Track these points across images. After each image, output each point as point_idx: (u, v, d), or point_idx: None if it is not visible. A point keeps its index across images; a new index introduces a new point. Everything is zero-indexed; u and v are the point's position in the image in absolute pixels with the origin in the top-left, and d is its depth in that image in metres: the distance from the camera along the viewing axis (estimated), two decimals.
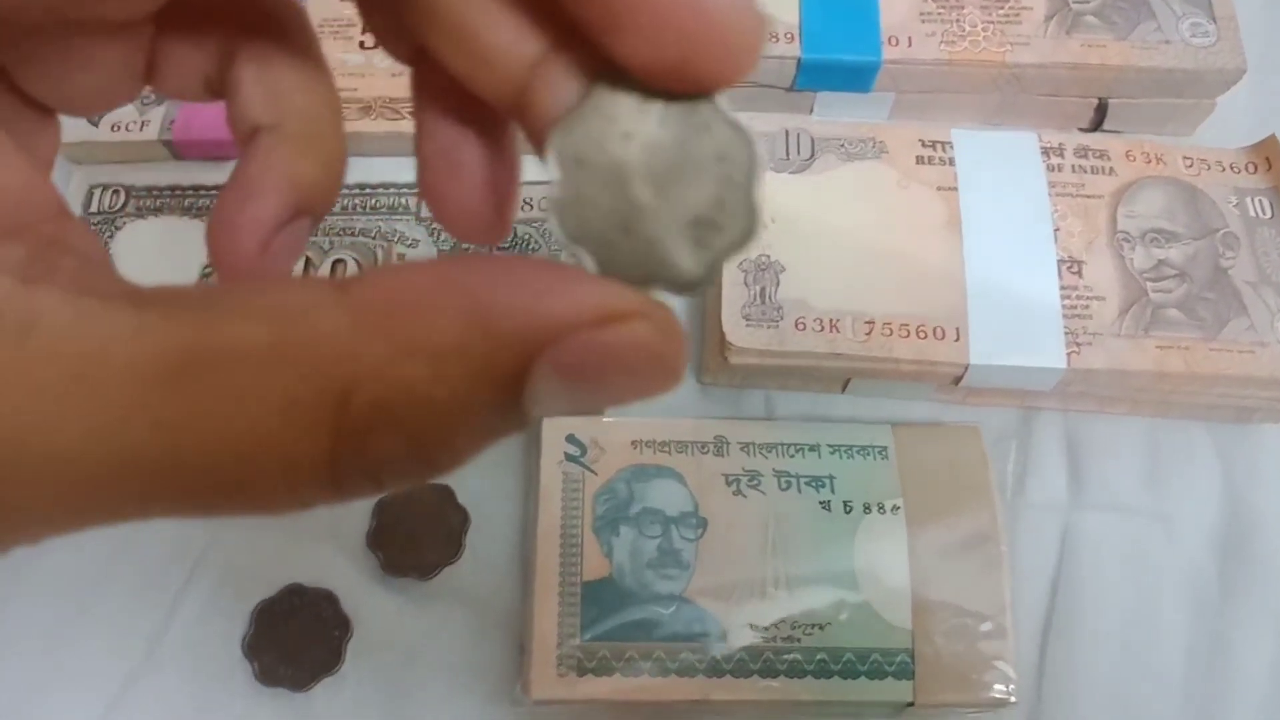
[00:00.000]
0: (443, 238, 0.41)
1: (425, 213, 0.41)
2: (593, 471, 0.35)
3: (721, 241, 0.16)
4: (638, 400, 0.14)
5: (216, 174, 0.41)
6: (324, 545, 0.36)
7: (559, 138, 0.16)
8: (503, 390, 0.14)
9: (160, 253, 0.40)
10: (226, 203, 0.19)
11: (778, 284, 0.37)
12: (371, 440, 0.13)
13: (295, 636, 0.35)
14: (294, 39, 0.20)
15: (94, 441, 0.13)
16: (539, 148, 0.16)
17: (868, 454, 0.36)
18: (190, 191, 0.41)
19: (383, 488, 0.14)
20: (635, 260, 0.15)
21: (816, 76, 0.41)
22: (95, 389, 0.13)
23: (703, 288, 0.16)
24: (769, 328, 0.36)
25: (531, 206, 0.41)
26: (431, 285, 0.14)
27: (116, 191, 0.41)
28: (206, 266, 0.39)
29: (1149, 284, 0.37)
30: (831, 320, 0.36)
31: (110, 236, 0.40)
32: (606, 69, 0.15)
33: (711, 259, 0.16)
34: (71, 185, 0.41)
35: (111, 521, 0.14)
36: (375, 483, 0.14)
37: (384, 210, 0.41)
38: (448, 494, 0.37)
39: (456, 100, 0.18)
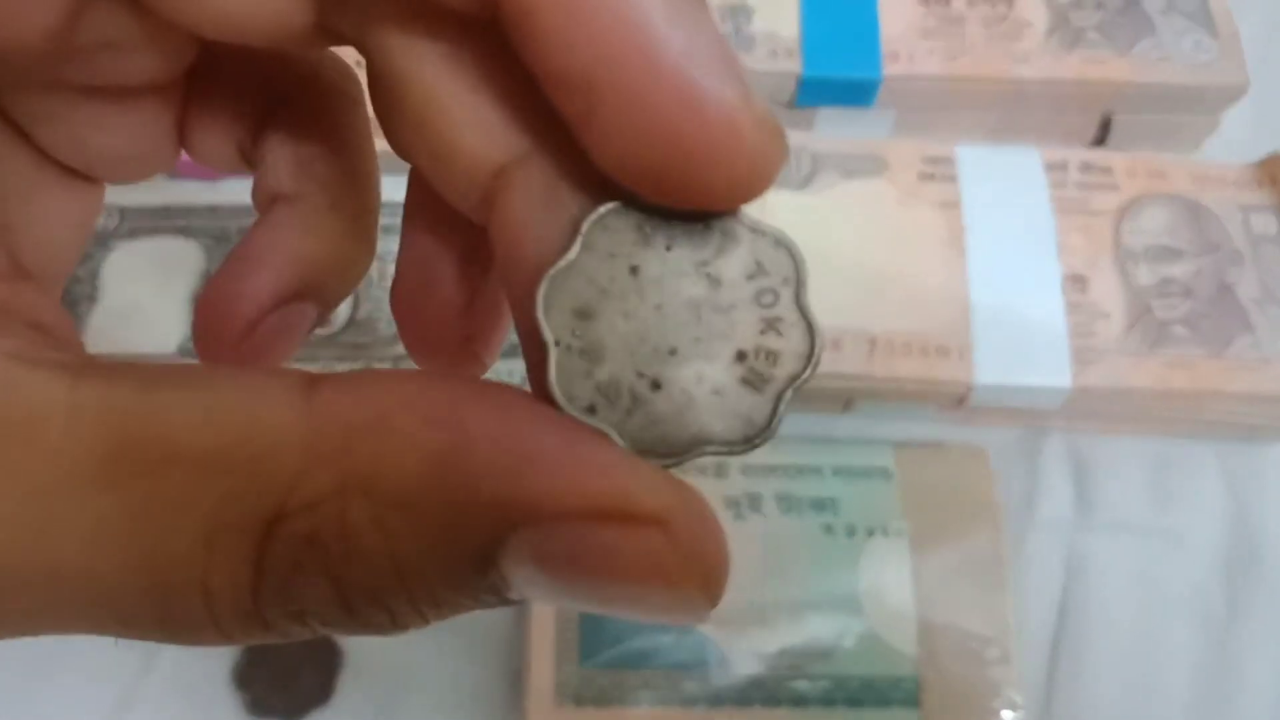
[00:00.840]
0: None
1: None
2: None
3: (780, 371, 0.13)
4: (644, 618, 0.12)
5: (212, 194, 0.41)
6: None
7: (548, 286, 0.13)
8: (462, 564, 0.11)
9: (153, 275, 0.39)
10: (220, 274, 0.17)
11: None
12: (296, 581, 0.11)
13: (286, 666, 0.34)
14: (335, 105, 0.18)
15: (8, 543, 0.11)
16: (504, 270, 0.14)
17: (871, 476, 0.35)
18: (185, 212, 0.41)
19: (317, 633, 0.12)
20: (675, 423, 0.13)
21: (817, 93, 0.41)
22: (12, 476, 0.11)
23: (767, 438, 0.13)
24: None
25: None
26: (405, 409, 0.11)
27: (110, 213, 0.41)
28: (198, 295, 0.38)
29: (1154, 301, 0.37)
30: (833, 339, 0.36)
31: (103, 259, 0.40)
32: (604, 193, 0.13)
33: (773, 397, 0.13)
34: None
35: (18, 635, 0.12)
36: (306, 626, 0.12)
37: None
38: None
39: (444, 211, 0.16)
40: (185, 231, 0.40)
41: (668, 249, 0.13)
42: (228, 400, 0.12)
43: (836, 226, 0.38)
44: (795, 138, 0.39)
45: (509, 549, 0.11)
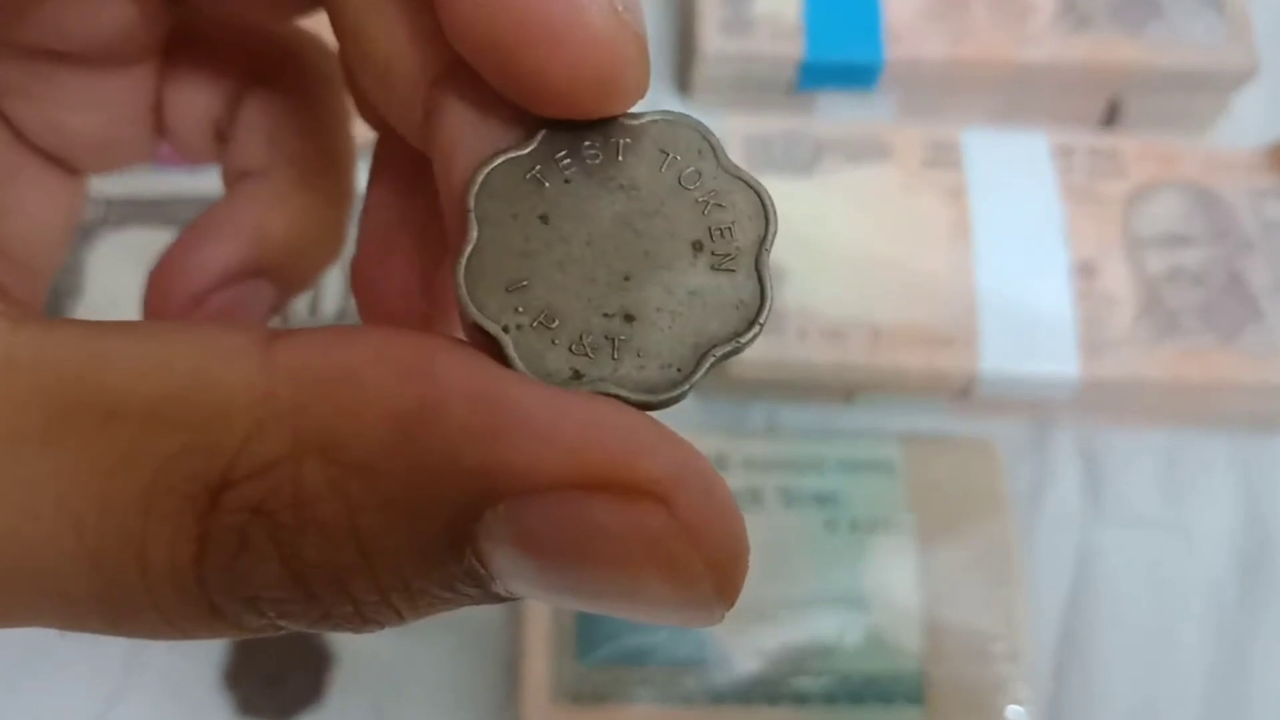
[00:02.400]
0: None
1: None
2: None
3: (743, 240, 0.12)
4: (649, 621, 0.10)
5: (197, 185, 0.40)
6: None
7: (466, 277, 0.12)
8: (432, 542, 0.10)
9: (138, 266, 0.38)
10: (176, 244, 0.16)
11: (779, 291, 0.36)
12: (246, 559, 0.10)
13: (276, 665, 0.34)
14: (311, 83, 0.17)
15: None
16: (444, 194, 0.13)
17: (875, 470, 0.35)
18: (171, 203, 0.40)
19: (275, 625, 0.11)
20: (669, 345, 0.12)
21: (820, 77, 0.40)
22: None
23: (769, 308, 0.12)
24: (771, 337, 0.35)
25: None
26: (372, 364, 0.10)
27: (95, 204, 0.40)
28: None
29: (1164, 289, 0.36)
30: (835, 329, 0.35)
31: (87, 251, 0.39)
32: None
33: (751, 269, 0.12)
34: None
35: None
36: (259, 615, 0.10)
37: None
38: None
39: (409, 178, 0.15)
40: (171, 223, 0.39)
41: (566, 182, 0.12)
42: (177, 352, 0.10)
43: (839, 213, 0.37)
44: (798, 122, 0.38)
45: (487, 526, 0.10)
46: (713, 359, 0.12)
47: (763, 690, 0.32)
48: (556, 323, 0.12)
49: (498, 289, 0.12)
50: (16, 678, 0.34)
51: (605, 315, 0.12)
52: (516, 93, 0.12)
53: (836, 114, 0.41)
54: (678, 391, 0.12)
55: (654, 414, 0.11)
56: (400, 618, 0.11)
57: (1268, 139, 0.39)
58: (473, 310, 0.12)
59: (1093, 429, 0.38)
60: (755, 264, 0.12)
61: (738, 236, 0.12)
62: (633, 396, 0.11)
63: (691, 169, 0.12)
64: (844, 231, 0.37)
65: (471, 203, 0.12)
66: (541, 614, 0.32)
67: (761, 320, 0.12)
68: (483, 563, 0.10)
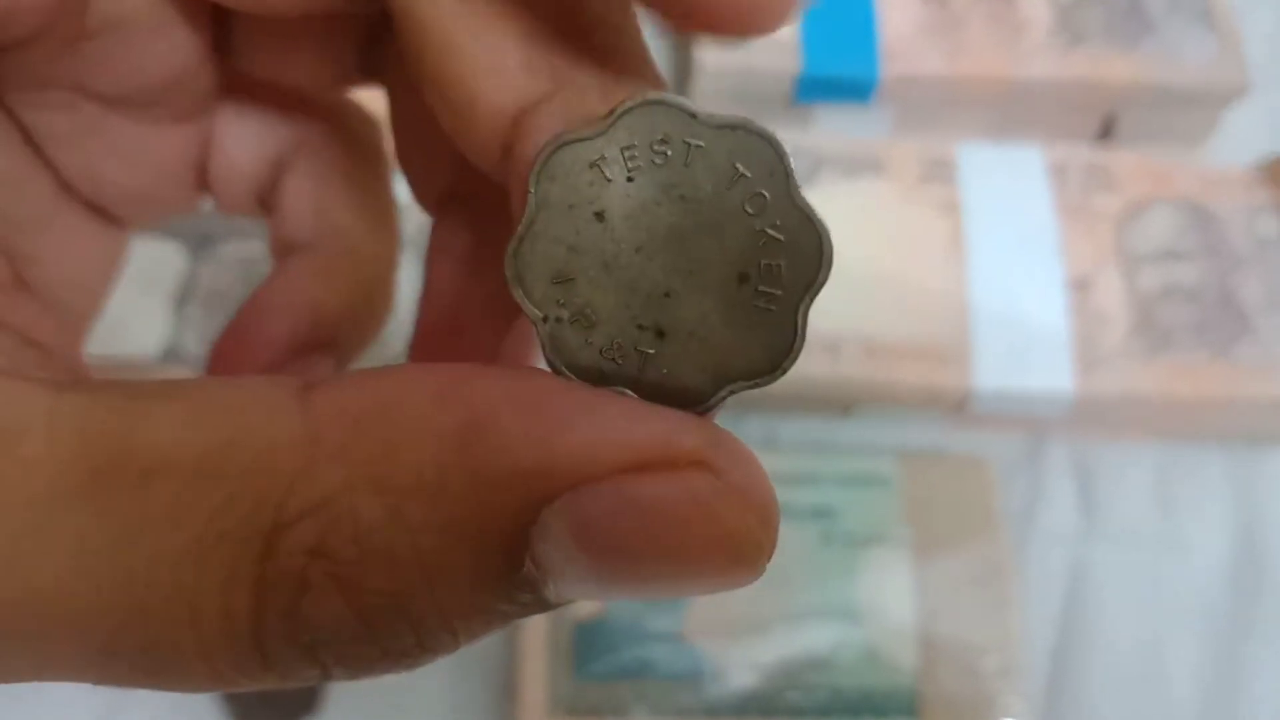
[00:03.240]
0: None
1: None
2: None
3: (790, 281, 0.11)
4: (694, 592, 0.10)
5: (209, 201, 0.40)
6: None
7: (516, 261, 0.12)
8: (493, 553, 0.10)
9: (135, 277, 0.38)
10: (235, 322, 0.17)
11: None
12: (307, 602, 0.10)
13: None
14: (356, 154, 0.17)
15: None
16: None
17: (872, 484, 0.35)
18: (181, 217, 0.40)
19: (329, 673, 0.11)
20: (691, 369, 0.12)
21: (816, 91, 0.40)
22: None
23: (793, 359, 0.11)
24: None
25: None
26: (412, 393, 0.10)
27: None
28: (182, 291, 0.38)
29: (1158, 305, 0.37)
30: (831, 343, 0.35)
31: None
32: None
33: (791, 311, 0.12)
34: None
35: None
36: (315, 663, 0.10)
37: None
38: None
39: (468, 260, 0.15)
40: (169, 233, 0.39)
41: (629, 180, 0.12)
42: (217, 405, 0.11)
43: (835, 228, 0.37)
44: (794, 137, 0.39)
45: (545, 526, 0.10)
46: (729, 391, 0.12)
47: (758, 704, 0.32)
48: (593, 324, 0.12)
49: (544, 278, 0.12)
50: (19, 685, 0.34)
51: (640, 327, 0.12)
52: (664, 7, 0.11)
53: (833, 128, 0.42)
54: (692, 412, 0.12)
55: None
56: (456, 641, 0.11)
57: (1260, 156, 0.39)
58: (519, 295, 0.12)
59: (1087, 444, 0.38)
60: (795, 310, 0.12)
61: (785, 278, 0.12)
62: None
63: (758, 192, 0.12)
64: (840, 246, 0.37)
65: (534, 184, 0.12)
66: (539, 628, 0.32)
67: (786, 367, 0.12)
68: (539, 565, 0.10)
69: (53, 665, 0.11)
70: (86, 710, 0.34)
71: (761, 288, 0.12)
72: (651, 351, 0.12)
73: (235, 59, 0.16)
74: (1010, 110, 0.41)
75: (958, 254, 0.37)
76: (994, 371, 0.35)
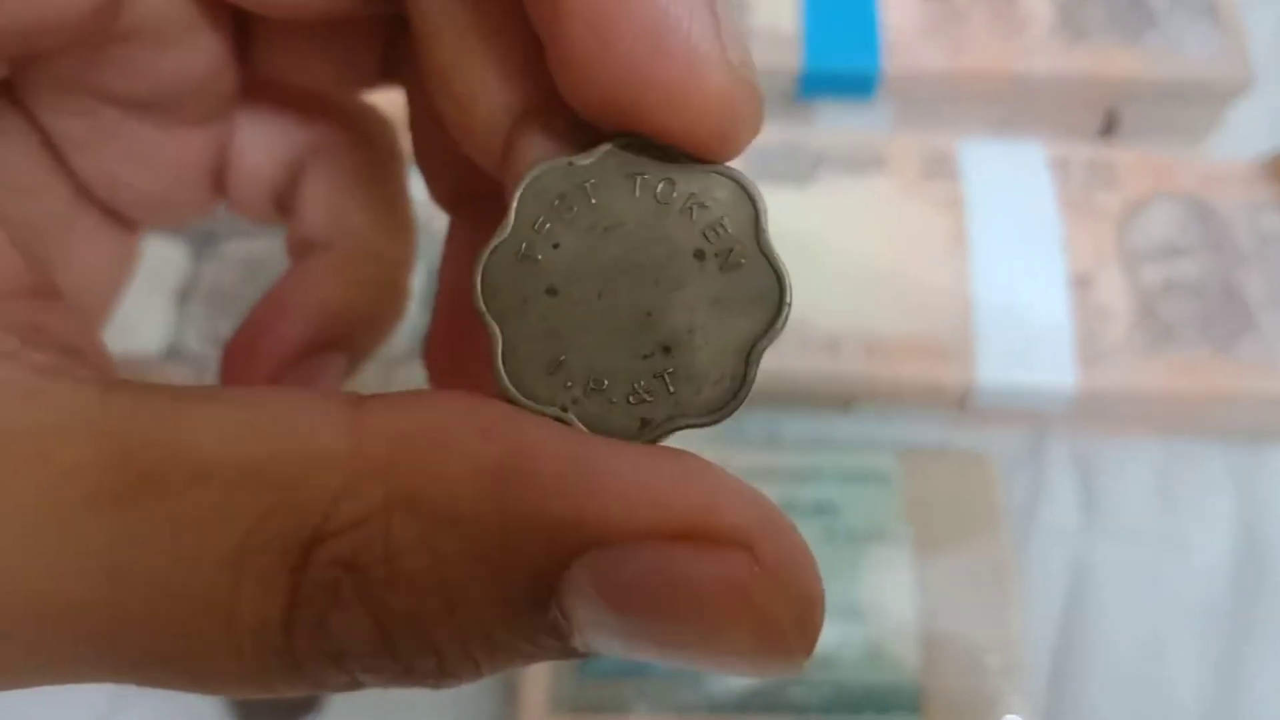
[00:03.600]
0: None
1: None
2: None
3: (737, 229, 0.12)
4: (726, 670, 0.10)
5: None
6: None
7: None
8: (518, 593, 0.10)
9: (138, 275, 0.38)
10: (248, 319, 0.17)
11: None
12: (335, 614, 0.10)
13: None
14: (373, 156, 0.18)
15: (17, 570, 0.10)
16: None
17: (873, 480, 0.35)
18: None
19: (358, 682, 0.11)
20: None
21: (818, 87, 0.40)
22: (26, 493, 0.10)
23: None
24: (768, 348, 0.35)
25: None
26: (459, 423, 0.10)
27: None
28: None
29: (1159, 301, 0.36)
30: (832, 339, 0.35)
31: None
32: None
33: (750, 253, 0.12)
34: None
35: (23, 684, 0.11)
36: (344, 672, 0.11)
37: None
38: None
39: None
40: (183, 236, 0.39)
41: (555, 247, 0.12)
42: (265, 415, 0.11)
43: (837, 224, 0.37)
44: (795, 133, 0.39)
45: (573, 578, 0.10)
46: (758, 356, 0.12)
47: (759, 701, 0.32)
48: (606, 383, 0.12)
49: (540, 375, 0.12)
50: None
51: (645, 357, 0.12)
52: (602, 121, 0.12)
53: (835, 124, 0.42)
54: (737, 400, 0.12)
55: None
56: (478, 671, 0.11)
57: (1263, 151, 0.39)
58: (528, 404, 0.12)
59: (1089, 440, 0.38)
60: (759, 248, 0.12)
61: (731, 228, 0.12)
62: (700, 420, 0.12)
63: (661, 181, 0.12)
64: (841, 242, 0.37)
65: (481, 305, 0.12)
66: None
67: (788, 301, 0.12)
68: (566, 616, 0.10)
69: (89, 667, 0.11)
70: (88, 707, 0.34)
71: (718, 251, 0.12)
72: (670, 369, 0.12)
73: (256, 62, 0.17)
74: (1012, 105, 0.41)
75: (959, 250, 0.37)
76: (996, 367, 0.35)
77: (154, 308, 0.37)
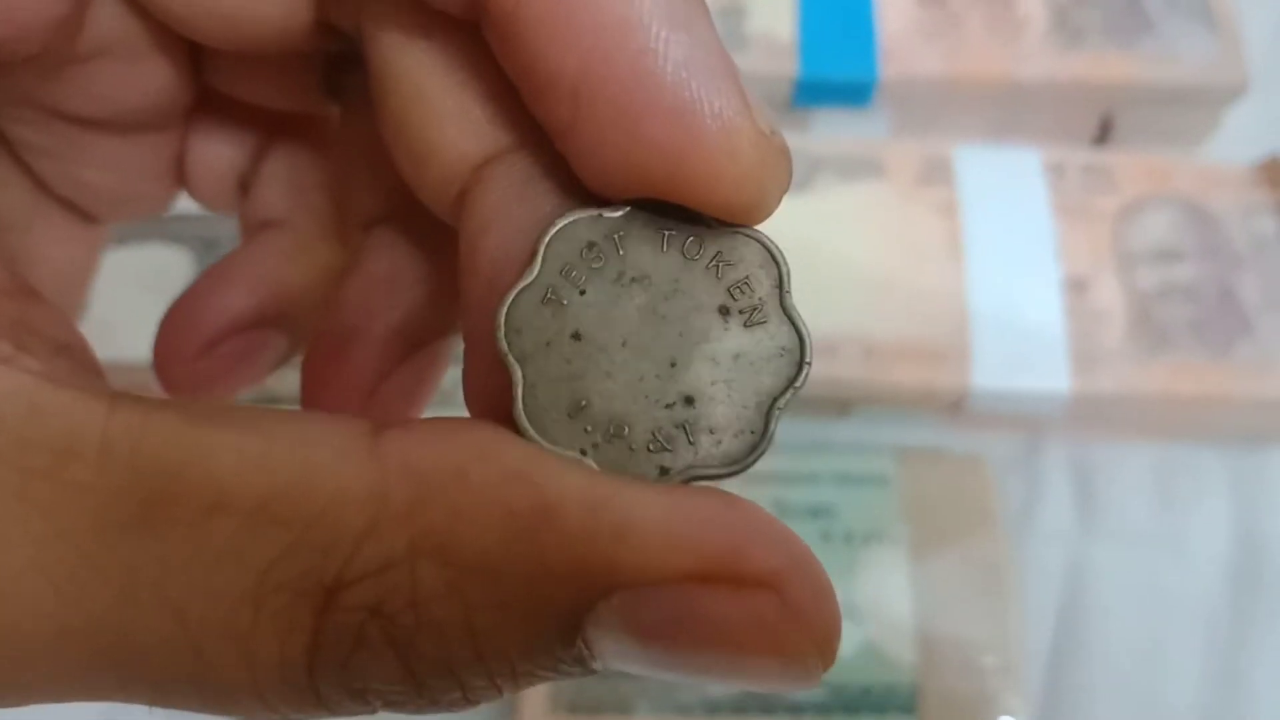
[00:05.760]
0: None
1: None
2: None
3: (762, 289, 0.12)
4: (748, 688, 0.10)
5: None
6: None
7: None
8: (546, 635, 0.10)
9: (143, 283, 0.39)
10: (191, 289, 0.17)
11: None
12: (358, 656, 0.10)
13: None
14: (331, 135, 0.18)
15: (28, 596, 0.10)
16: (466, 267, 0.13)
17: (869, 483, 0.35)
18: (175, 219, 0.40)
19: (378, 711, 0.11)
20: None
21: (814, 94, 0.41)
22: (37, 516, 0.10)
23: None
24: None
25: None
26: (484, 466, 0.10)
27: None
28: None
29: (1155, 305, 0.37)
30: (829, 344, 0.35)
31: None
32: (578, 194, 0.12)
33: (774, 313, 0.12)
34: None
35: (34, 701, 0.11)
36: (366, 705, 0.11)
37: None
38: None
39: (388, 286, 0.16)
40: (175, 238, 0.40)
41: (581, 294, 0.12)
42: (283, 445, 0.10)
43: (834, 230, 0.37)
44: (792, 140, 0.39)
45: (599, 616, 0.10)
46: (778, 412, 0.12)
47: (758, 701, 0.32)
48: (626, 430, 0.12)
49: (560, 418, 0.12)
50: None
51: (667, 406, 0.12)
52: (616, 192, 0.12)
53: (831, 131, 0.42)
54: (757, 454, 0.12)
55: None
56: (500, 695, 0.11)
57: (1259, 155, 0.39)
58: (548, 448, 0.12)
59: (1084, 444, 0.38)
60: (782, 308, 0.12)
61: (756, 288, 0.12)
62: (719, 471, 0.12)
63: (689, 237, 0.12)
64: (838, 248, 0.37)
65: (504, 345, 0.12)
66: None
67: (808, 360, 0.12)
68: (590, 648, 0.10)
69: (100, 686, 0.11)
70: (89, 707, 0.34)
71: (742, 308, 0.12)
72: (691, 420, 0.12)
73: (208, 78, 0.17)
74: (1009, 110, 0.42)
75: (956, 255, 0.37)
76: (992, 371, 0.35)
77: (158, 313, 0.37)
